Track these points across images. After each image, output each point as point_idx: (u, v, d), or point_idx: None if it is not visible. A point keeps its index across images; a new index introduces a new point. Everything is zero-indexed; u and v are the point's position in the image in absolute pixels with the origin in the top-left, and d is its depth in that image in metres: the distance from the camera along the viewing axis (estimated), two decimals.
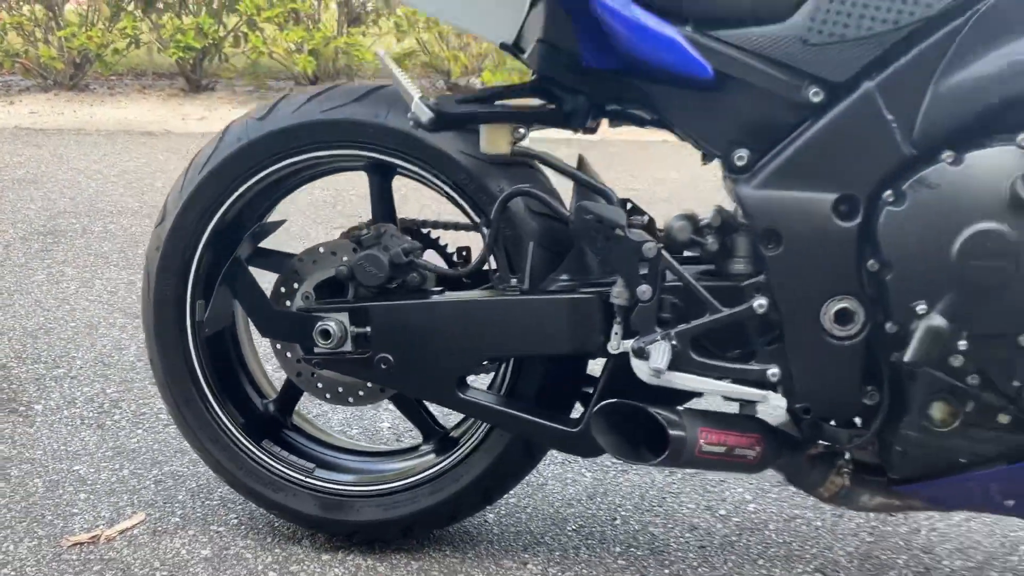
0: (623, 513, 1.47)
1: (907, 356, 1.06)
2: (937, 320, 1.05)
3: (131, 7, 4.98)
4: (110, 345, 2.12)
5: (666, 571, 1.33)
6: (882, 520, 1.45)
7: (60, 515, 1.47)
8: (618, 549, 1.38)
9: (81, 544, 1.40)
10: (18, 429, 1.74)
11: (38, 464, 1.62)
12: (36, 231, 2.93)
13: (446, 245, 1.41)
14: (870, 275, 1.09)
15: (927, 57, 1.05)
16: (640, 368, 1.14)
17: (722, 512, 1.48)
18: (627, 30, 1.12)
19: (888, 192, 1.07)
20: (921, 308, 1.06)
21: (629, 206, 1.32)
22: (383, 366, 1.24)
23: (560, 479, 1.57)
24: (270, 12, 4.63)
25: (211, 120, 4.81)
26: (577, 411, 1.28)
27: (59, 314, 2.29)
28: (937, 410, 1.11)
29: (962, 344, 1.06)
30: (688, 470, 1.57)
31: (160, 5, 5.00)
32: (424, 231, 1.41)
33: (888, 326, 1.09)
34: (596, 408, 1.16)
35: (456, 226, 1.37)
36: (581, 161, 1.31)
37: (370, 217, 1.35)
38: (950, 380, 1.09)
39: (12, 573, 1.33)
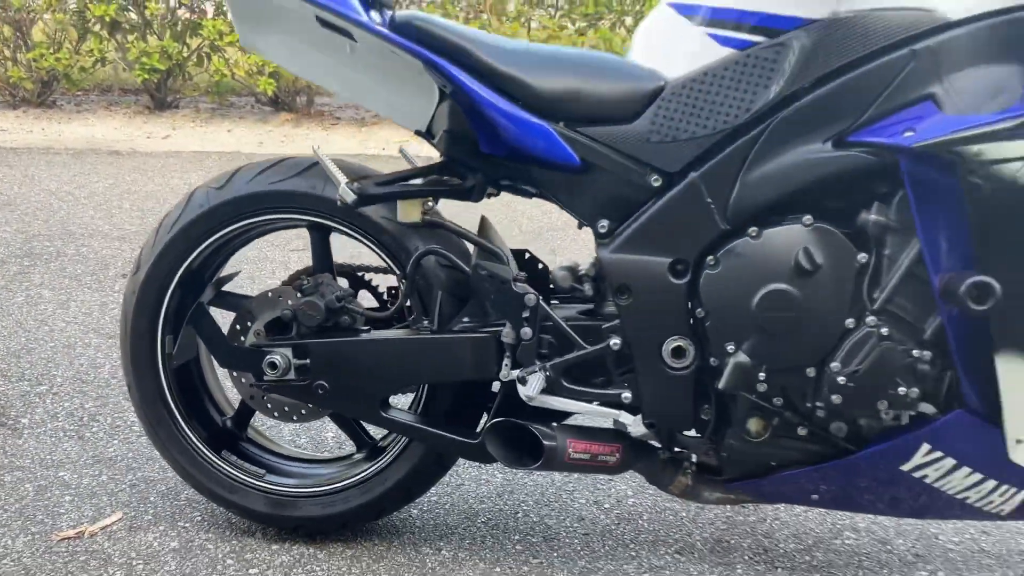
0: (525, 508, 1.78)
1: (721, 384, 1.38)
2: (742, 357, 1.37)
3: (97, 28, 5.17)
4: (87, 364, 2.38)
5: (555, 554, 1.63)
6: (736, 511, 1.77)
7: (49, 514, 1.74)
8: (517, 537, 1.68)
9: (68, 539, 1.67)
10: (8, 441, 2.00)
11: (27, 471, 1.89)
12: (13, 254, 3.17)
13: (378, 286, 1.70)
14: (697, 321, 1.40)
15: (736, 156, 1.36)
16: (523, 393, 1.45)
17: (606, 506, 1.79)
18: (512, 126, 1.43)
19: (709, 258, 1.39)
20: (731, 347, 1.37)
21: (527, 256, 1.64)
22: (320, 391, 1.53)
23: (475, 479, 1.87)
24: (233, 36, 4.87)
25: (175, 138, 5.04)
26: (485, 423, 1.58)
27: (39, 335, 2.55)
28: (752, 424, 1.43)
29: (763, 375, 1.38)
30: (587, 476, 1.87)
31: (126, 26, 5.21)
32: (359, 274, 1.70)
33: (711, 360, 1.40)
34: (488, 425, 1.47)
35: (386, 270, 1.66)
36: (483, 223, 1.61)
37: (310, 265, 1.65)
38: (759, 402, 1.40)
39: (11, 563, 1.60)
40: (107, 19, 5.01)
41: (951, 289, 1.25)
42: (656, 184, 1.40)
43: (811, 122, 1.34)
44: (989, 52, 1.29)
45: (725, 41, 1.37)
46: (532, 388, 1.43)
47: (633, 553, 1.64)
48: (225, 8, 5.26)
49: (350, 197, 1.44)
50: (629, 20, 5.09)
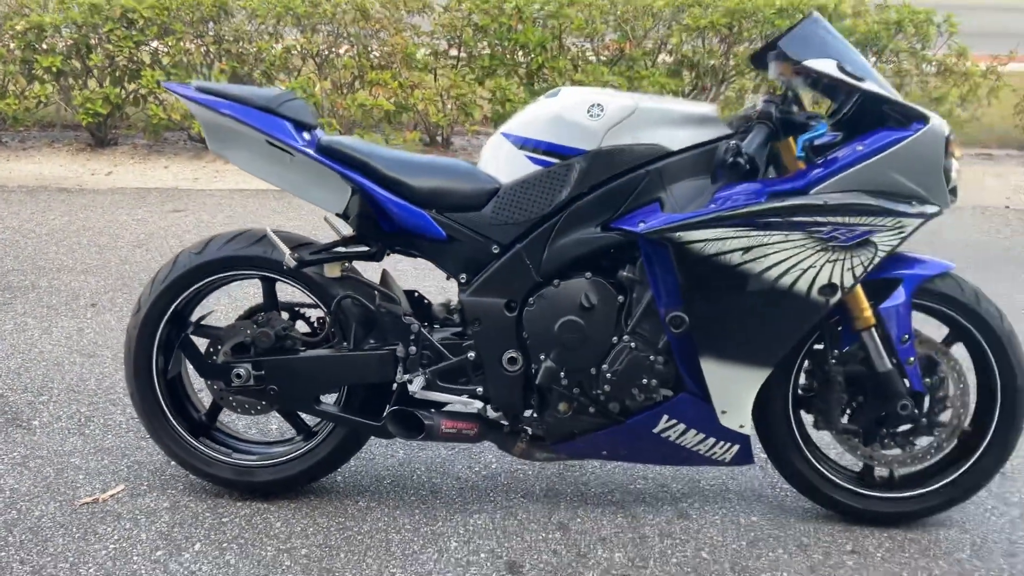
0: (418, 472, 2.51)
1: (538, 381, 2.14)
2: (551, 363, 2.13)
3: (43, 75, 5.70)
4: (75, 378, 3.01)
5: (438, 501, 2.36)
6: (565, 468, 2.52)
7: (69, 487, 2.39)
8: (412, 492, 2.41)
9: (87, 504, 2.33)
10: (26, 438, 2.64)
11: (46, 459, 2.53)
12: None
13: (310, 318, 2.41)
14: (523, 340, 2.16)
15: (545, 234, 2.12)
16: (410, 390, 2.18)
17: (476, 468, 2.53)
18: (400, 212, 2.16)
19: (530, 299, 2.14)
20: (543, 357, 2.13)
21: (416, 295, 2.37)
22: (272, 393, 2.24)
23: (383, 454, 2.59)
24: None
25: (117, 175, 5.61)
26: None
27: (31, 356, 3.16)
28: (561, 406, 2.19)
29: (564, 374, 2.14)
30: (463, 448, 2.61)
31: (70, 74, 5.75)
32: (296, 310, 2.41)
33: (533, 366, 2.16)
34: (388, 412, 2.19)
35: (315, 306, 2.36)
36: (384, 275, 2.33)
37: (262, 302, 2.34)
38: (564, 392, 2.16)
39: (49, 521, 2.25)
40: (54, 69, 5.54)
41: (666, 319, 2.04)
42: (496, 251, 2.16)
43: (589, 214, 2.11)
44: (694, 171, 2.08)
45: (535, 161, 2.13)
46: (416, 387, 2.17)
47: (492, 497, 2.39)
48: (161, 58, 5.84)
49: (292, 263, 2.16)
50: (523, 70, 5.86)
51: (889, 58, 5.79)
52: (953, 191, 2.10)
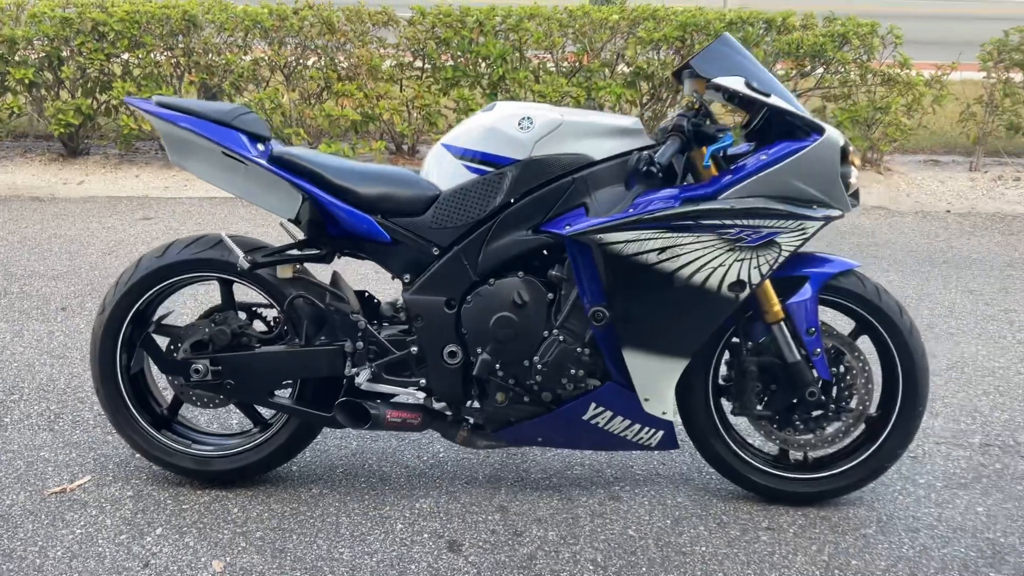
0: (370, 462, 2.67)
1: (475, 373, 2.31)
2: (487, 356, 2.30)
3: (15, 87, 5.82)
4: (45, 378, 3.15)
5: (387, 488, 2.53)
6: (508, 455, 2.70)
7: (39, 479, 2.54)
8: (363, 480, 2.58)
9: (55, 493, 2.48)
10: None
11: (17, 453, 2.67)
12: None
13: (266, 316, 2.57)
14: (461, 335, 2.33)
15: (480, 237, 2.30)
16: (357, 383, 2.35)
17: (425, 457, 2.70)
18: (348, 218, 2.33)
19: (468, 297, 2.32)
20: (479, 350, 2.31)
21: (366, 295, 2.54)
22: (228, 387, 2.40)
23: (336, 445, 2.76)
24: (140, 96, 5.60)
25: (89, 184, 5.73)
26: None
27: (3, 358, 3.30)
28: (498, 396, 2.37)
29: (499, 366, 2.32)
30: (413, 438, 2.78)
31: (42, 87, 5.88)
32: (253, 309, 2.57)
33: (471, 359, 2.33)
34: (336, 403, 2.36)
35: (269, 306, 2.52)
36: (335, 276, 2.50)
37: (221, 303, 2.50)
38: (501, 382, 2.34)
39: (19, 510, 2.40)
40: (26, 81, 5.67)
41: (590, 314, 2.22)
42: (436, 253, 2.33)
43: (520, 218, 2.29)
44: (617, 179, 2.27)
45: (472, 169, 2.31)
46: (362, 379, 2.34)
47: (437, 484, 2.56)
48: (132, 70, 5.97)
49: (246, 265, 2.32)
50: (485, 81, 6.05)
51: (836, 69, 6.03)
52: (854, 195, 2.30)
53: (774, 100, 2.22)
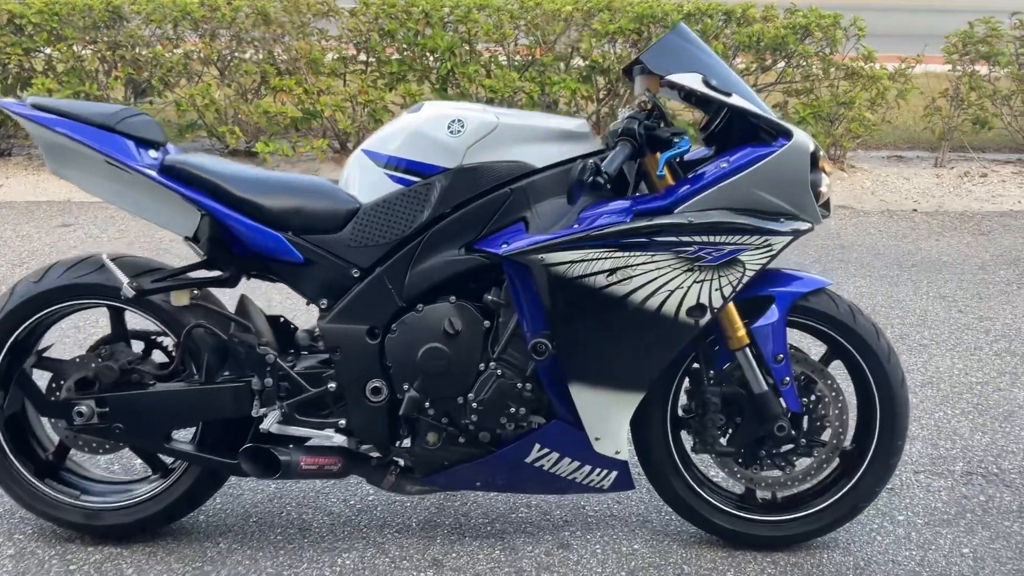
0: (288, 508, 2.37)
1: (401, 412, 2.02)
2: (414, 393, 2.02)
3: None
4: None
5: (305, 540, 2.23)
6: (446, 497, 2.41)
7: None
8: (279, 530, 2.28)
9: None
10: None
11: None
12: None
13: (167, 346, 2.25)
14: (387, 369, 2.04)
15: (406, 256, 2.01)
16: (262, 428, 2.05)
17: (351, 502, 2.41)
18: (253, 236, 2.02)
19: (392, 326, 2.03)
20: (406, 387, 2.02)
21: (282, 320, 2.24)
22: (117, 431, 2.08)
23: (252, 489, 2.45)
24: (61, 94, 5.21)
25: (9, 187, 5.33)
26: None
27: None
28: (430, 437, 2.08)
29: (429, 404, 2.03)
30: (339, 480, 2.48)
31: None
32: (152, 338, 2.25)
33: (398, 395, 2.04)
34: (241, 450, 2.06)
35: (167, 333, 2.20)
36: (243, 300, 2.19)
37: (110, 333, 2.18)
38: (432, 422, 2.06)
39: None
40: None
41: (530, 346, 1.94)
42: (356, 275, 2.04)
43: (451, 235, 2.00)
44: (561, 189, 1.99)
45: (396, 179, 2.02)
46: (271, 422, 2.03)
47: (364, 533, 2.27)
48: (55, 64, 5.58)
49: (130, 293, 2.01)
50: (434, 76, 5.74)
51: (798, 62, 5.82)
52: (825, 205, 2.05)
53: (735, 100, 1.96)
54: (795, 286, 2.11)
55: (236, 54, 5.70)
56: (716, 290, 1.95)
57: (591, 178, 1.82)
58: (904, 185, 5.82)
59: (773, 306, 2.08)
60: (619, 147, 1.90)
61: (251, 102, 5.60)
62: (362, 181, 2.06)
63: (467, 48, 5.68)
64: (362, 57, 5.82)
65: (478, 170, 1.99)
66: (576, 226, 1.94)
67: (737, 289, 1.96)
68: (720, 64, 2.02)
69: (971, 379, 3.17)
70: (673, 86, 1.99)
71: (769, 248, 1.96)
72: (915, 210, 5.39)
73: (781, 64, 5.84)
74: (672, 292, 1.93)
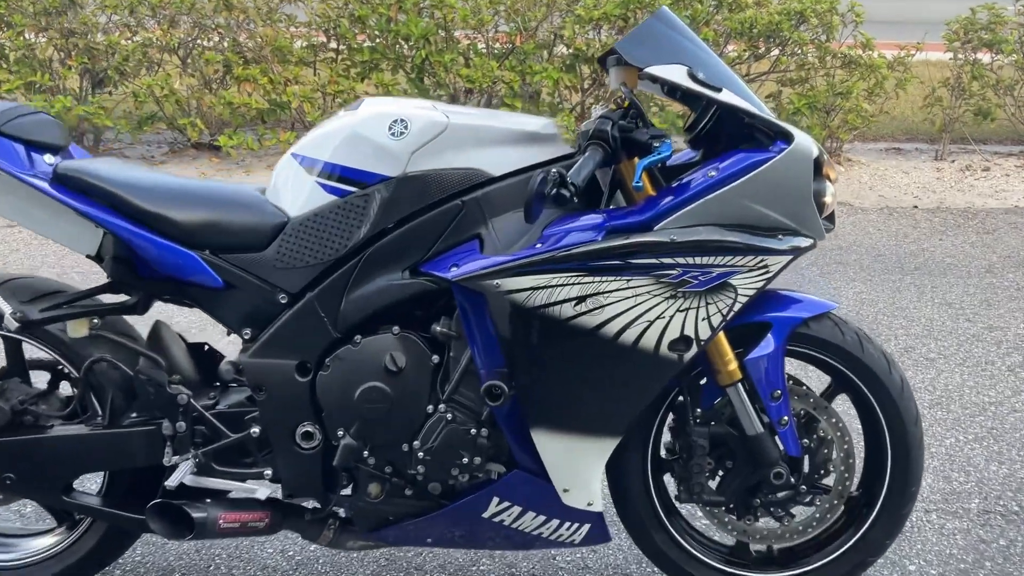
0: (217, 561, 2.09)
1: (334, 462, 1.73)
2: (350, 440, 1.72)
3: None
4: None
5: None
6: (397, 549, 2.13)
7: None
8: None
9: None
10: None
11: None
12: None
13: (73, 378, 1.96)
14: (319, 411, 1.75)
15: (341, 280, 1.71)
16: (168, 483, 1.75)
17: (290, 553, 2.12)
18: (163, 255, 1.73)
19: (326, 360, 1.74)
20: (341, 433, 1.73)
21: (206, 348, 1.94)
22: (8, 482, 1.78)
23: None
24: (9, 85, 4.88)
25: None
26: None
27: None
28: (372, 488, 1.79)
29: (369, 452, 1.74)
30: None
31: None
32: (58, 368, 1.95)
33: (333, 442, 1.75)
34: (148, 507, 1.76)
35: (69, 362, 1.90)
36: (157, 328, 1.90)
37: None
38: (374, 471, 1.77)
39: None
40: None
41: (483, 388, 1.65)
42: (284, 301, 1.74)
43: (393, 255, 1.70)
44: (520, 201, 1.69)
45: (330, 189, 1.72)
46: (180, 475, 1.74)
47: None
48: (6, 53, 5.24)
49: (13, 325, 1.71)
50: (409, 65, 5.43)
51: (793, 50, 5.53)
52: (830, 218, 1.76)
53: (726, 96, 1.66)
54: (794, 310, 1.82)
55: (199, 42, 5.38)
56: (703, 320, 1.66)
57: (554, 190, 1.52)
58: (904, 180, 5.55)
59: (769, 335, 1.79)
60: (589, 152, 1.61)
61: (215, 93, 5.28)
62: (291, 191, 1.76)
63: (443, 35, 5.37)
64: (333, 45, 5.50)
65: (424, 179, 1.69)
66: (539, 245, 1.64)
67: (728, 318, 1.68)
68: (708, 54, 1.73)
69: (984, 399, 2.89)
70: (654, 79, 1.70)
71: (765, 270, 1.67)
72: (916, 207, 5.11)
73: (775, 52, 5.55)
74: (651, 323, 1.64)
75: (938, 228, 4.72)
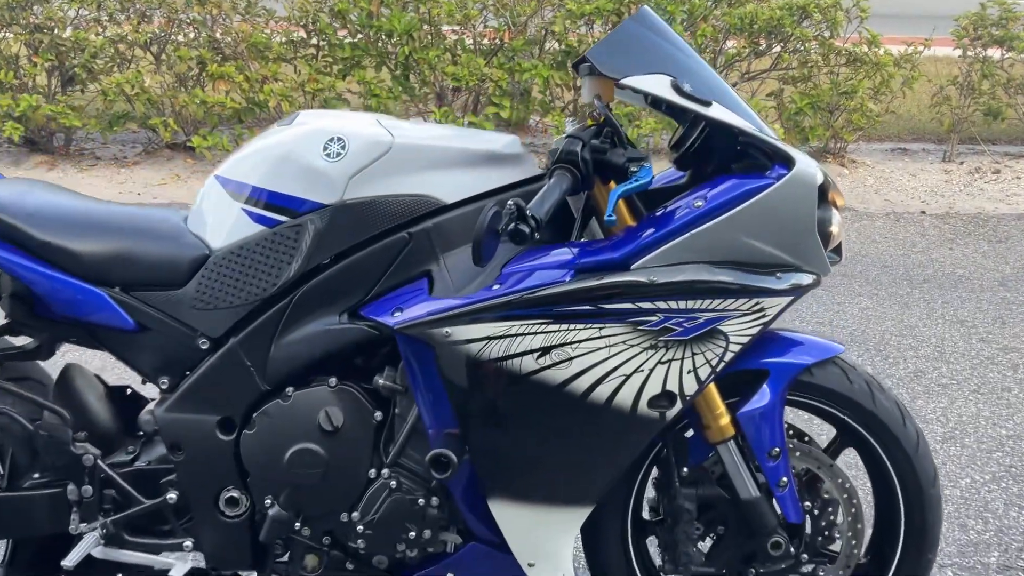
0: None
1: (261, 536, 1.50)
2: (278, 510, 1.49)
3: None
4: None
5: None
6: None
7: None
8: None
9: None
10: None
11: None
12: None
13: None
14: (245, 475, 1.52)
15: (269, 324, 1.48)
16: (65, 564, 1.52)
17: None
18: (64, 293, 1.50)
19: (253, 415, 1.50)
20: (268, 502, 1.50)
21: (129, 392, 1.71)
22: None
23: None
24: None
25: None
26: None
27: None
28: (309, 560, 1.56)
29: (302, 523, 1.51)
30: None
31: None
32: None
33: (260, 511, 1.52)
34: None
35: None
36: (67, 372, 1.66)
37: None
38: (311, 543, 1.53)
39: None
40: None
41: (428, 457, 1.42)
42: (204, 347, 1.51)
43: (329, 296, 1.47)
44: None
45: (257, 218, 1.49)
46: (86, 546, 1.51)
47: None
48: None
49: None
50: (393, 62, 5.18)
51: (795, 47, 5.27)
52: (836, 249, 1.53)
53: (716, 111, 1.42)
54: (795, 355, 1.59)
55: (174, 37, 5.13)
56: (689, 372, 1.42)
57: (511, 225, 1.28)
58: (910, 183, 5.30)
59: (766, 385, 1.55)
60: (555, 178, 1.37)
61: (192, 89, 5.04)
62: (214, 219, 1.53)
63: (428, 30, 5.12)
64: (314, 41, 5.25)
65: (365, 207, 1.45)
66: (496, 287, 1.41)
67: (717, 370, 1.44)
68: (696, 60, 1.49)
69: (1001, 432, 2.66)
70: (634, 91, 1.46)
71: (761, 313, 1.43)
72: (923, 212, 4.86)
73: (776, 49, 5.30)
74: (628, 377, 1.40)
75: (947, 236, 4.48)
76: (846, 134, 5.38)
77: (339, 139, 1.46)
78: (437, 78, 5.08)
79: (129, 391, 1.73)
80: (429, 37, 5.13)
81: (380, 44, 5.11)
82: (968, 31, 5.51)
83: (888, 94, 5.41)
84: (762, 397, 1.55)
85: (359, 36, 5.10)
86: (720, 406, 1.54)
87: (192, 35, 5.21)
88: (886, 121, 5.75)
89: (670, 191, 1.55)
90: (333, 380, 1.49)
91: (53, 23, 4.86)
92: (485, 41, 5.24)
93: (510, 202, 1.28)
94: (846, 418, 1.62)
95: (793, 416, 1.66)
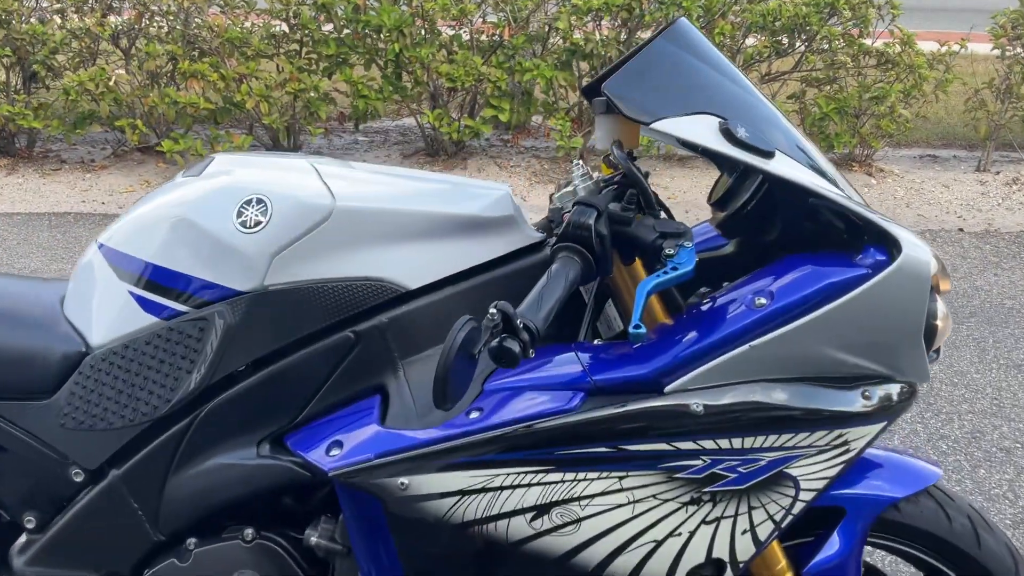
0: None
1: None
2: None
3: None
4: None
5: None
6: None
7: None
8: None
9: None
10: None
11: None
12: None
13: None
14: None
15: (161, 454, 1.08)
16: None
17: None
18: None
19: (146, 572, 1.11)
20: None
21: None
22: None
23: None
24: None
25: None
26: None
27: None
28: None
29: None
30: None
31: None
32: None
33: None
34: None
35: None
36: None
37: None
38: None
39: None
40: None
41: None
42: (78, 480, 1.11)
43: (243, 418, 1.07)
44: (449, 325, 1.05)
45: (148, 306, 1.08)
46: None
47: None
48: None
49: None
50: (383, 60, 4.76)
51: (821, 46, 4.84)
52: (936, 351, 1.13)
53: (782, 166, 1.01)
54: (879, 486, 1.19)
55: (143, 31, 4.71)
56: (744, 532, 1.02)
57: (495, 342, 0.87)
58: (944, 195, 4.87)
59: (840, 529, 1.16)
60: (558, 266, 0.96)
61: (164, 87, 4.62)
62: (95, 304, 1.12)
63: (421, 25, 4.69)
64: (298, 36, 4.82)
65: (294, 296, 1.05)
66: (475, 414, 1.00)
67: (783, 526, 1.04)
68: (753, 94, 1.08)
69: None
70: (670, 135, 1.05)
71: (844, 448, 1.03)
72: (961, 229, 4.44)
73: (801, 48, 4.86)
74: (660, 544, 1.00)
75: (990, 258, 4.05)
76: (873, 141, 4.96)
77: (260, 200, 1.05)
78: (431, 77, 4.65)
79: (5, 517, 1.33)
80: (422, 33, 4.70)
81: (369, 40, 4.68)
82: (1006, 30, 5.07)
83: (920, 98, 4.97)
84: (834, 544, 1.16)
85: (346, 31, 4.67)
86: (781, 559, 1.14)
87: (165, 28, 4.79)
88: (915, 126, 5.32)
89: (712, 262, 1.14)
90: (249, 532, 1.08)
91: (9, 15, 4.43)
92: (483, 37, 4.81)
93: (493, 308, 0.88)
94: (941, 566, 1.22)
95: (869, 554, 1.26)
